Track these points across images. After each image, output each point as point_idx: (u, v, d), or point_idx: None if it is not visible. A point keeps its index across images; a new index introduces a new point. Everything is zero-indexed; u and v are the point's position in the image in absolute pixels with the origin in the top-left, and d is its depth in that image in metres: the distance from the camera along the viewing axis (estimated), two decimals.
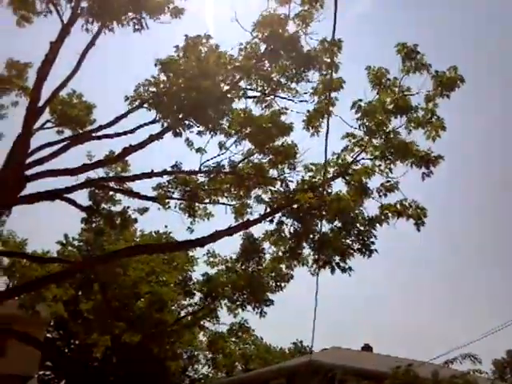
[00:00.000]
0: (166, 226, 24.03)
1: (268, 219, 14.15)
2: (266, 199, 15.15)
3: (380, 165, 14.33)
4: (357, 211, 13.75)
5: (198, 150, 17.17)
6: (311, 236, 14.03)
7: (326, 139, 6.78)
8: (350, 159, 14.42)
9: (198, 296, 18.68)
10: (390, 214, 14.28)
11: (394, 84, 13.68)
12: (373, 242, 13.49)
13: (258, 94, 14.98)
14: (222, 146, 17.08)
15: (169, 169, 17.42)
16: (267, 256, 17.65)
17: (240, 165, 17.23)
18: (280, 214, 14.08)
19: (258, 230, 16.98)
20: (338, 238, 13.25)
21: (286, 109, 16.00)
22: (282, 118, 16.07)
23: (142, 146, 14.97)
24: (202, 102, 13.58)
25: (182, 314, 20.57)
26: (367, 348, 37.09)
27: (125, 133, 16.35)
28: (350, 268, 13.50)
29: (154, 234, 23.88)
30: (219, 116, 14.68)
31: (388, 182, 14.19)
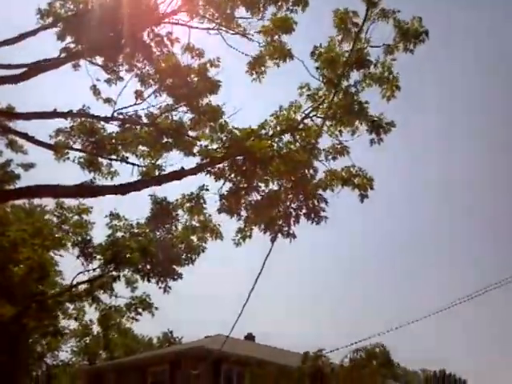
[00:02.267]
0: None
1: (205, 170, 12.06)
2: (199, 149, 13.06)
3: (331, 125, 12.90)
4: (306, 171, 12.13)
5: (107, 101, 14.73)
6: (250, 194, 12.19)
7: None
8: (299, 115, 12.83)
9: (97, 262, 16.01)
10: (335, 181, 12.96)
11: (358, 32, 12.19)
12: (323, 208, 11.94)
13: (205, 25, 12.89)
14: (138, 95, 14.84)
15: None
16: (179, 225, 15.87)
17: (158, 119, 15.09)
18: (219, 165, 12.04)
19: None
20: (285, 199, 11.54)
21: (219, 60, 14.19)
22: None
23: (55, 65, 12.22)
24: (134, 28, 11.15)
25: (76, 281, 17.78)
26: (250, 337, 36.37)
27: (18, 65, 13.49)
28: (293, 234, 11.87)
29: None
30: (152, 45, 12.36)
31: (340, 144, 12.79)
